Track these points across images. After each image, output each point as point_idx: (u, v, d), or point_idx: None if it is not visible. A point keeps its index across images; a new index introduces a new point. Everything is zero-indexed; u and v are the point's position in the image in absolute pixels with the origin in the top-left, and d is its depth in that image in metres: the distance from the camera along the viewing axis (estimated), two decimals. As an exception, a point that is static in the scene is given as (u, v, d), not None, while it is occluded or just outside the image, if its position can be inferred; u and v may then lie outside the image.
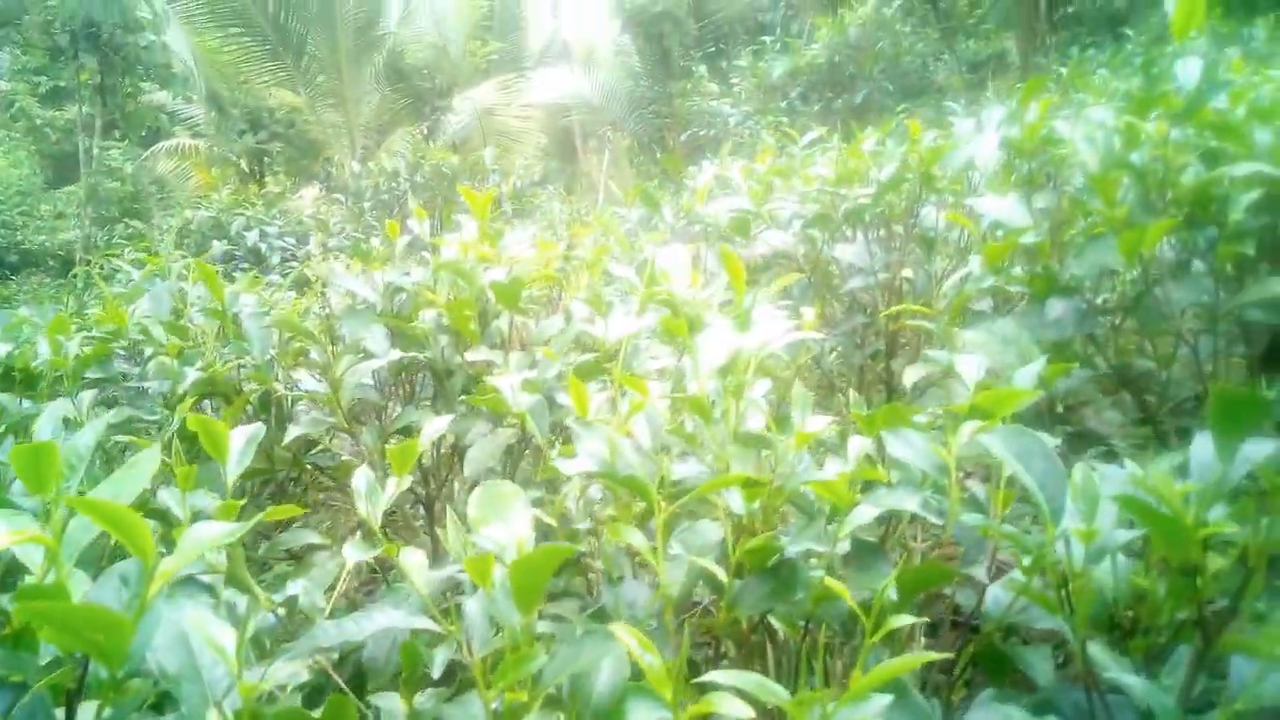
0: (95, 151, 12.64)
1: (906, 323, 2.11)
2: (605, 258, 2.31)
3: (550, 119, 22.83)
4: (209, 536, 0.82)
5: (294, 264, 7.23)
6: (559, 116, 23.02)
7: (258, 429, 1.32)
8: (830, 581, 0.92)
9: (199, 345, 2.15)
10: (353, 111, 18.88)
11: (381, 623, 1.01)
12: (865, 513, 1.03)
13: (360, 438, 2.04)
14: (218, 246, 7.16)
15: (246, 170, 20.99)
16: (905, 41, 10.40)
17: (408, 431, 2.02)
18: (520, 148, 21.41)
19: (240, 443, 1.29)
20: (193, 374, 2.06)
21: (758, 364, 1.29)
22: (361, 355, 1.97)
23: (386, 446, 1.29)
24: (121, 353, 2.46)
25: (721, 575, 1.09)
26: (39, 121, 21.60)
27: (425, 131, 13.85)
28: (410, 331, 2.12)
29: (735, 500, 1.13)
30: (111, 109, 12.32)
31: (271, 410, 2.19)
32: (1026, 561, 0.95)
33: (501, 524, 1.01)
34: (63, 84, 22.80)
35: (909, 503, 1.03)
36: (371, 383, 2.05)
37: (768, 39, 9.70)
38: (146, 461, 0.94)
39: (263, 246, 7.26)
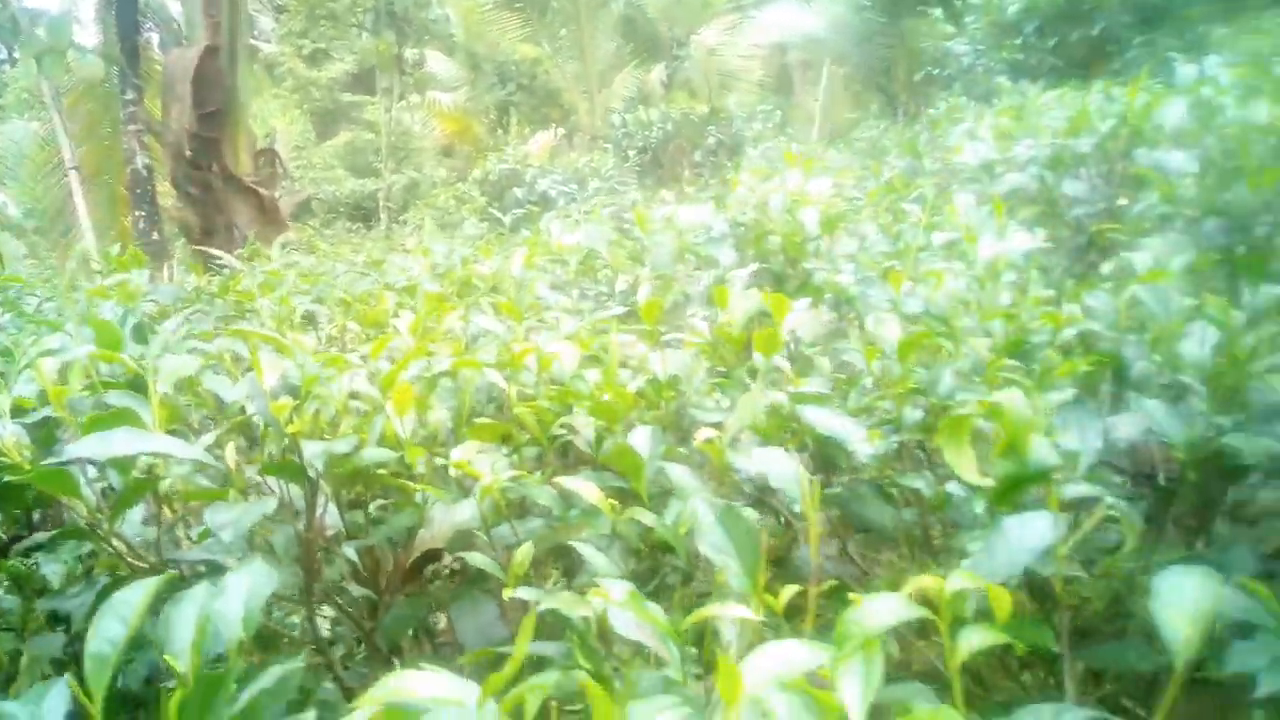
0: (394, 113, 14.72)
1: (1107, 236, 2.96)
2: (890, 196, 3.28)
3: (769, 56, 23.44)
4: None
5: (574, 205, 8.57)
6: (778, 54, 23.57)
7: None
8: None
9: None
10: (590, 60, 20.33)
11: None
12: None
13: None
14: (516, 192, 8.61)
15: (494, 120, 23.07)
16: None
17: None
18: (741, 86, 22.20)
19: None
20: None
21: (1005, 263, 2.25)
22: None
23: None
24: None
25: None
26: (303, 81, 24.49)
27: (665, 78, 14.94)
28: (760, 251, 3.19)
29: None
30: (404, 75, 14.33)
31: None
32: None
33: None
34: (323, 46, 25.72)
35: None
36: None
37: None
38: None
39: (551, 192, 8.65)
